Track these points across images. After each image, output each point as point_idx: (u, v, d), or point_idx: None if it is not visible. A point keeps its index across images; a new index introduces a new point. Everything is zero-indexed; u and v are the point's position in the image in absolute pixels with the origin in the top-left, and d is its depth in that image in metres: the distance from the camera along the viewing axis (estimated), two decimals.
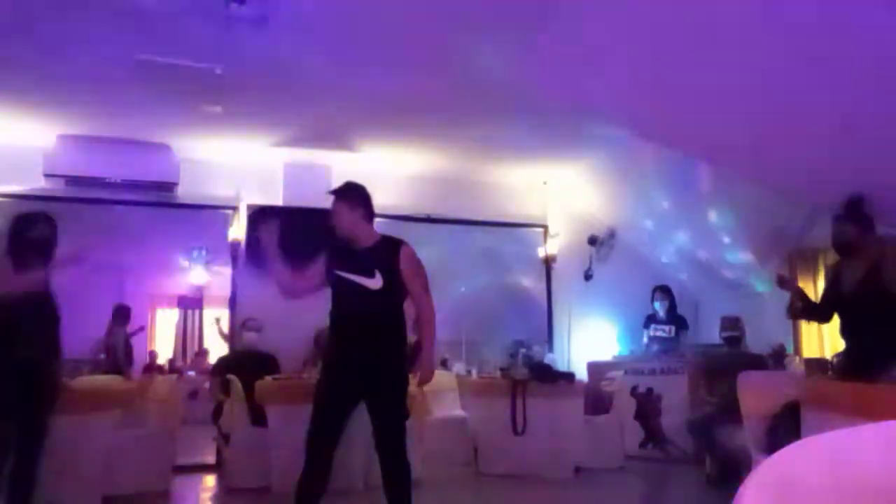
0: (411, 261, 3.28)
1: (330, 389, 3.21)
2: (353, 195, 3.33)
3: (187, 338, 8.88)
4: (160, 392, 5.14)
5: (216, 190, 6.80)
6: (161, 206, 6.70)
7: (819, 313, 4.11)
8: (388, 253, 3.25)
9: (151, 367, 7.81)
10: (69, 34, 4.36)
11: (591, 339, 7.55)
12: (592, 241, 7.82)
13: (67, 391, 3.88)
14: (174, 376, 6.25)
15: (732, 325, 5.49)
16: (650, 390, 6.22)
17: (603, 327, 7.69)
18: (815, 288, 6.54)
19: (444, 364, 6.90)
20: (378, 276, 3.18)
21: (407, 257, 3.26)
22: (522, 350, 5.92)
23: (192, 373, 7.89)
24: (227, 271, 7.11)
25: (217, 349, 7.28)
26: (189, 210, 6.90)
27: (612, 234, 7.89)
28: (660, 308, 6.85)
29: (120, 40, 4.44)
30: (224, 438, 5.20)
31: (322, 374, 3.32)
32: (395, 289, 3.22)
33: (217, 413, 5.49)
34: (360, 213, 3.32)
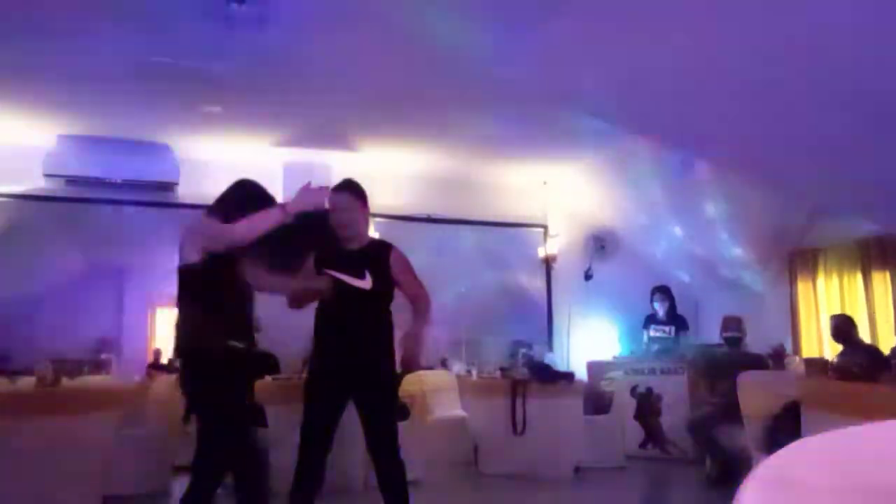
0: (401, 262, 3.24)
1: (318, 390, 3.19)
2: (363, 193, 3.28)
3: None
4: (160, 392, 5.13)
5: (216, 190, 6.69)
6: (161, 206, 6.70)
7: None
8: (378, 255, 3.21)
9: (156, 366, 7.79)
10: (70, 35, 4.36)
11: (590, 339, 7.54)
12: (598, 241, 7.83)
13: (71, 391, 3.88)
14: (174, 376, 6.23)
15: (734, 325, 5.49)
16: (650, 390, 6.22)
17: (603, 327, 7.69)
18: (814, 288, 6.56)
19: (444, 364, 6.90)
20: (368, 276, 3.14)
21: (397, 259, 3.23)
22: (522, 350, 5.92)
23: None
24: None
25: None
26: (189, 210, 6.88)
27: (612, 235, 7.89)
28: (659, 308, 6.84)
29: (120, 41, 4.44)
30: None
31: (309, 375, 3.30)
32: (385, 291, 3.18)
33: None
34: (367, 213, 3.31)
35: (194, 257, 2.79)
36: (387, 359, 3.19)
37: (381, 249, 3.26)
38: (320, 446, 3.11)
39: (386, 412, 3.17)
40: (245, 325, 2.97)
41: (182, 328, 2.88)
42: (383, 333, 3.21)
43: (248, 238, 2.83)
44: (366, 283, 3.14)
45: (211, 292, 2.81)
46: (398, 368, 3.26)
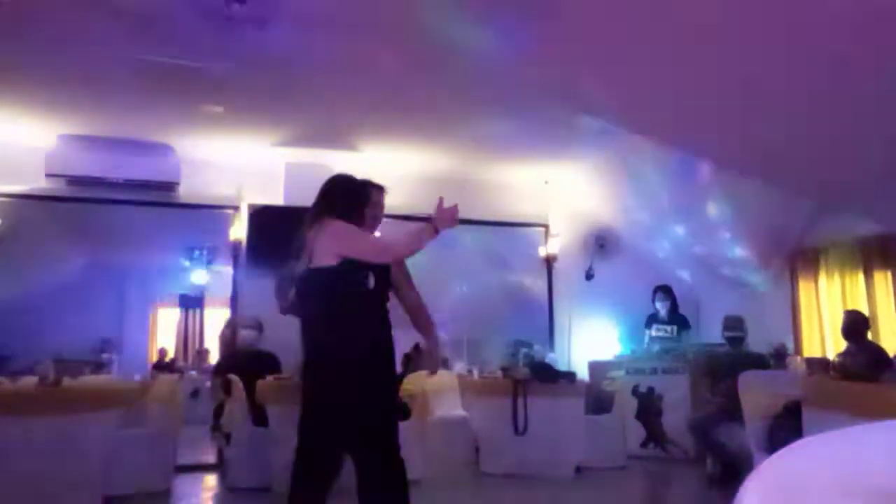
0: (399, 264, 3.29)
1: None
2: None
3: (188, 337, 8.88)
4: (161, 392, 5.14)
5: (217, 189, 6.80)
6: (162, 205, 6.71)
7: None
8: None
9: (160, 365, 7.81)
10: (70, 34, 4.37)
11: (592, 339, 7.54)
12: (599, 241, 7.83)
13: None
14: (175, 376, 6.25)
15: (736, 325, 5.48)
16: (651, 390, 6.22)
17: (604, 327, 7.68)
18: (816, 287, 6.54)
19: (446, 364, 6.89)
20: (371, 276, 3.12)
21: (396, 261, 3.27)
22: (523, 349, 5.92)
23: (193, 372, 7.88)
24: (228, 271, 7.12)
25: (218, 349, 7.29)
26: (190, 210, 6.90)
27: (613, 234, 7.89)
28: (661, 308, 6.84)
29: (121, 40, 4.44)
30: (225, 438, 5.20)
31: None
32: (385, 290, 3.19)
33: (218, 413, 5.49)
34: None
35: (331, 261, 2.84)
36: (386, 357, 3.20)
37: None
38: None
39: (385, 409, 3.18)
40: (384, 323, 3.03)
41: (322, 328, 2.90)
42: (383, 333, 3.21)
43: (408, 255, 2.96)
44: (368, 282, 3.15)
45: (351, 292, 2.87)
46: (411, 370, 3.29)
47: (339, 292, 2.88)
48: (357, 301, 2.91)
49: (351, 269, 2.86)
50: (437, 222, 2.90)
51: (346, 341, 2.86)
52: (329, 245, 2.86)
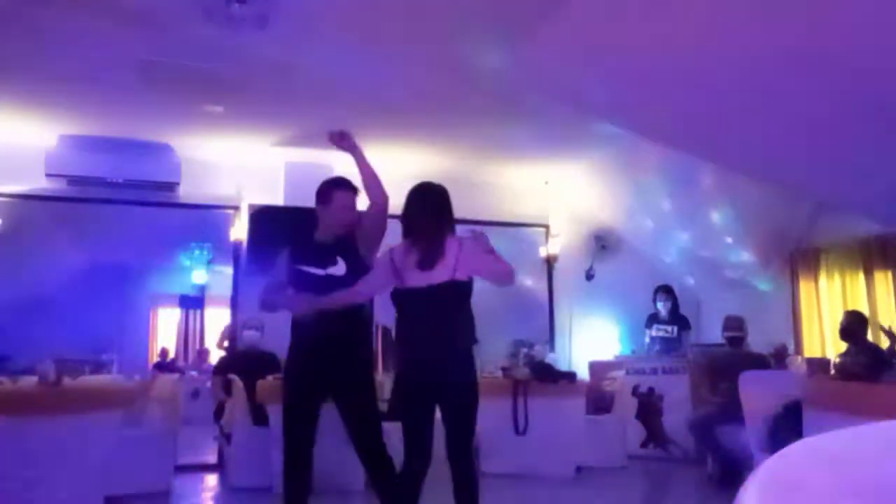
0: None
1: (298, 387, 3.24)
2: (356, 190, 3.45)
3: (189, 337, 8.88)
4: (162, 392, 5.14)
5: (217, 189, 6.80)
6: (162, 205, 6.71)
7: None
8: (348, 243, 3.31)
9: (162, 365, 7.81)
10: (70, 34, 4.37)
11: (592, 339, 7.54)
12: (600, 241, 7.83)
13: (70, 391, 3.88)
14: (176, 376, 6.25)
15: (736, 325, 5.49)
16: (652, 390, 6.22)
17: (604, 327, 7.68)
18: (816, 287, 6.54)
19: None
20: (340, 262, 3.24)
21: (361, 234, 3.36)
22: (524, 350, 5.92)
23: (193, 372, 7.88)
24: (228, 271, 7.11)
25: (218, 349, 7.29)
26: (190, 210, 6.90)
27: (613, 234, 7.89)
28: (662, 308, 6.84)
29: (121, 40, 4.44)
30: (226, 438, 5.20)
31: (288, 371, 3.33)
32: (359, 273, 3.23)
33: (218, 412, 5.50)
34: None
35: (465, 277, 3.08)
36: (366, 349, 3.34)
37: (349, 237, 3.34)
38: (306, 444, 3.16)
39: (372, 407, 3.21)
40: None
41: (460, 332, 3.16)
42: (361, 324, 3.31)
43: None
44: (339, 270, 3.24)
45: (469, 303, 3.17)
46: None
47: (467, 306, 3.16)
48: (471, 312, 3.18)
49: (471, 284, 3.12)
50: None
51: (467, 347, 3.16)
52: (469, 262, 3.04)
